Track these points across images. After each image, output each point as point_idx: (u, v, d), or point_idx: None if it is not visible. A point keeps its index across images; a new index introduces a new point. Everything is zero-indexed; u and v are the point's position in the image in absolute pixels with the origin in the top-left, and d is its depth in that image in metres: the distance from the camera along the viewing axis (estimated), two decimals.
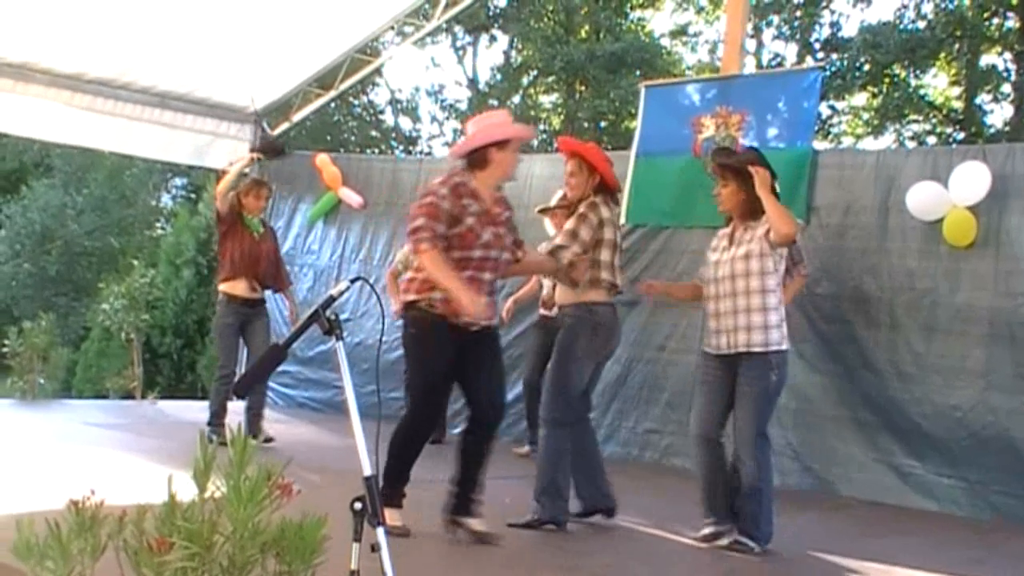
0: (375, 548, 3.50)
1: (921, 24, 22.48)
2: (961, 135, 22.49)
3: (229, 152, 14.14)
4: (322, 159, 13.67)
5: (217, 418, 9.59)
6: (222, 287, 10.11)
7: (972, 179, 8.90)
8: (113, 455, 8.66)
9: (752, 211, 6.67)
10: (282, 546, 3.74)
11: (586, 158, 7.57)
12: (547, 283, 10.00)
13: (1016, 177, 8.95)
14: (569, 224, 7.21)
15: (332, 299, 3.62)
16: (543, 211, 10.20)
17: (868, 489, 9.27)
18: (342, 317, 12.16)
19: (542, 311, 10.34)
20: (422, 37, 15.72)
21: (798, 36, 24.38)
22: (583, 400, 7.34)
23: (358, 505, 3.54)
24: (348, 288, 3.67)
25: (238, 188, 10.12)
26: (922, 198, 9.07)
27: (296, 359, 12.91)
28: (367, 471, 3.58)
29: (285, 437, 9.95)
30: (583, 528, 7.19)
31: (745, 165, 6.73)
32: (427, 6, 13.30)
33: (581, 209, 7.16)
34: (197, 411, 12.15)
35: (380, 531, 3.51)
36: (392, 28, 13.90)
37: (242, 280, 10.02)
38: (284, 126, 14.53)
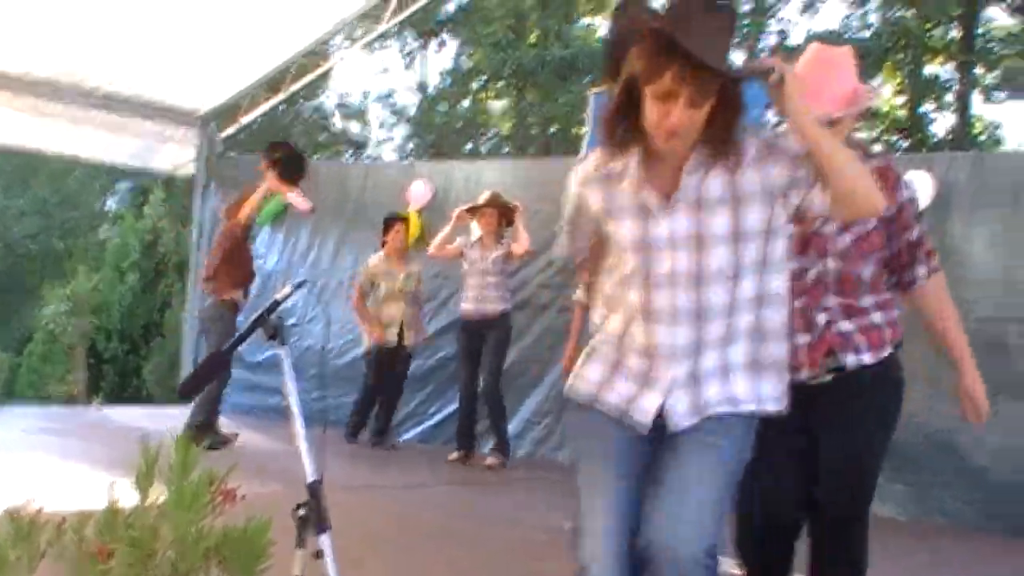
0: (319, 555, 3.46)
1: (867, 33, 22.68)
2: (906, 143, 22.66)
3: (174, 155, 14.05)
4: None
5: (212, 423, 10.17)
6: (227, 295, 10.28)
7: (917, 188, 8.95)
8: (55, 462, 8.55)
9: None
10: (226, 553, 3.70)
11: None
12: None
13: (959, 185, 9.06)
14: None
15: (276, 303, 3.58)
16: (471, 210, 10.26)
17: None
18: (289, 322, 12.20)
19: (466, 307, 10.31)
20: (371, 41, 15.69)
21: (747, 44, 24.52)
22: None
23: (302, 511, 3.50)
24: (293, 292, 3.62)
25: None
26: None
27: (244, 364, 12.78)
28: (311, 477, 3.54)
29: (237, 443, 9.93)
30: None
31: None
32: (377, 9, 13.23)
33: None
34: (142, 416, 12.07)
35: (324, 538, 3.47)
36: (341, 32, 13.80)
37: (241, 289, 10.45)
38: (231, 129, 14.41)
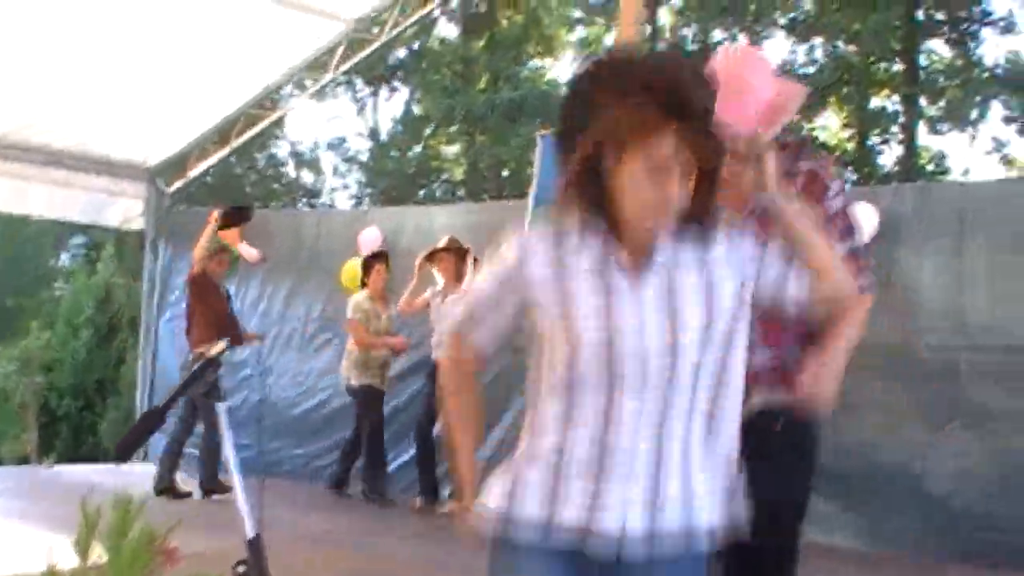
0: None
1: (811, 68, 22.88)
2: (855, 176, 22.83)
3: (124, 210, 13.96)
4: (218, 215, 13.49)
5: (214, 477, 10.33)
6: (200, 348, 10.18)
7: (861, 220, 8.99)
8: (3, 522, 8.45)
9: None
10: None
11: None
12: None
13: (904, 216, 9.11)
14: None
15: (211, 361, 3.53)
16: (429, 257, 10.25)
17: None
18: (244, 373, 12.09)
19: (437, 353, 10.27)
20: (319, 90, 15.67)
21: None
22: None
23: (241, 569, 3.43)
24: (225, 348, 3.57)
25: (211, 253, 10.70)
26: None
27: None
28: (250, 533, 3.47)
29: (183, 500, 9.83)
30: None
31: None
32: (324, 58, 13.21)
33: None
34: (94, 474, 11.90)
35: None
36: (291, 82, 13.77)
37: (221, 342, 10.13)
38: (180, 182, 14.33)
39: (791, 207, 2.77)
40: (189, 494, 10.34)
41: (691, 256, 2.64)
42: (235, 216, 11.14)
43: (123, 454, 3.74)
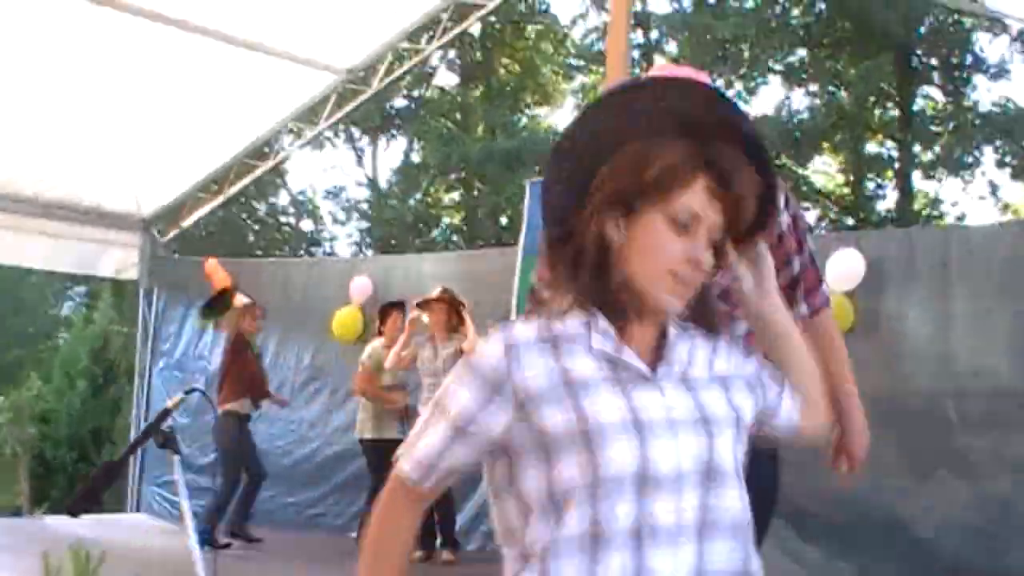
0: None
1: (806, 115, 22.95)
2: (851, 221, 22.85)
3: (119, 259, 13.96)
4: (211, 264, 13.44)
5: (246, 519, 10.78)
6: (230, 406, 10.60)
7: (847, 265, 9.02)
8: None
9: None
10: None
11: None
12: None
13: (890, 262, 9.13)
14: None
15: (167, 412, 3.51)
16: (421, 305, 10.17)
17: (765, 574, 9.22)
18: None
19: (423, 408, 10.20)
20: (315, 139, 15.74)
21: None
22: None
23: None
24: (183, 399, 3.55)
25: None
26: None
27: (189, 467, 12.64)
28: None
29: (165, 551, 9.75)
30: None
31: None
32: (319, 107, 13.26)
33: None
34: (83, 526, 11.82)
35: None
36: (289, 131, 13.81)
37: (247, 399, 10.75)
38: (174, 232, 14.36)
39: (785, 317, 2.27)
40: (228, 545, 10.41)
41: (702, 354, 2.14)
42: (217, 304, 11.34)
43: (76, 509, 3.70)
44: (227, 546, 10.35)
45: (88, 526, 10.57)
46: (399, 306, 10.89)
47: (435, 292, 10.27)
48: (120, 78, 11.32)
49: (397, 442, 8.16)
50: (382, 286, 12.16)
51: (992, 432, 8.55)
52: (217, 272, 13.31)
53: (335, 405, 12.31)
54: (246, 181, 14.27)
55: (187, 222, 14.37)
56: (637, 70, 23.52)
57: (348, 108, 13.49)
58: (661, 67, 3.79)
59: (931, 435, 8.76)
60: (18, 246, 13.09)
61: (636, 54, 24.94)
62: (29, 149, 12.14)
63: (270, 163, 14.13)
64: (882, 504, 8.82)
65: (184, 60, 11.34)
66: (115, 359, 17.06)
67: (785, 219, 3.33)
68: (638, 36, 24.00)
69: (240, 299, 13.07)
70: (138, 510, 13.42)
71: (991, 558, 8.41)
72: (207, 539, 10.32)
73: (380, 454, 9.69)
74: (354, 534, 11.62)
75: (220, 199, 14.30)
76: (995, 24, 20.92)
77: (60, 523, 12.13)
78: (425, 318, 10.21)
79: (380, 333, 10.87)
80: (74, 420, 16.50)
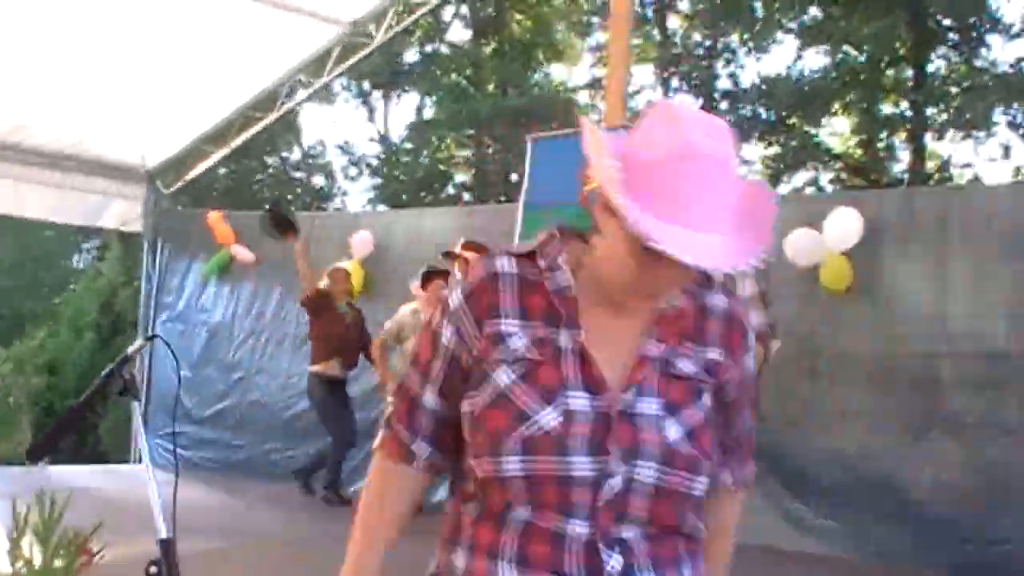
0: None
1: (818, 75, 22.81)
2: (861, 182, 22.75)
3: (123, 212, 13.98)
4: (214, 217, 13.50)
5: (335, 484, 10.40)
6: (314, 367, 10.60)
7: (844, 225, 8.99)
8: None
9: None
10: None
11: None
12: None
13: (887, 223, 9.09)
14: None
15: (127, 357, 3.49)
16: (448, 255, 9.69)
17: (760, 534, 9.17)
18: (236, 375, 12.07)
19: None
20: (325, 93, 15.72)
21: (701, 88, 24.60)
22: None
23: (153, 569, 3.39)
24: (143, 346, 3.54)
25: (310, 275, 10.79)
26: (799, 244, 9.11)
27: (191, 420, 12.72)
28: (161, 533, 3.43)
29: (161, 498, 9.78)
30: None
31: None
32: (321, 59, 13.24)
33: None
34: (84, 475, 11.92)
35: None
36: (298, 83, 13.75)
37: (333, 360, 10.52)
38: (179, 184, 14.37)
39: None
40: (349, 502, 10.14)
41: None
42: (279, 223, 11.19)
43: (34, 455, 3.69)
44: (327, 498, 10.38)
45: (92, 475, 10.67)
46: (444, 275, 9.81)
47: (460, 243, 9.92)
48: (125, 30, 11.32)
49: None
50: (383, 241, 12.14)
51: (986, 395, 8.56)
52: (220, 225, 13.35)
53: None
54: (249, 133, 14.23)
55: (192, 174, 14.36)
56: (656, 32, 23.45)
57: (352, 60, 13.43)
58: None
59: (926, 396, 8.77)
60: (22, 197, 13.14)
61: (650, 12, 24.83)
62: (32, 100, 12.15)
63: (274, 115, 14.06)
64: (875, 465, 8.86)
65: (188, 12, 11.33)
66: (122, 312, 17.05)
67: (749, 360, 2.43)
68: None
69: (242, 252, 13.13)
70: (140, 461, 13.48)
71: (983, 519, 8.45)
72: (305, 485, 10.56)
73: None
74: (353, 488, 11.68)
75: (224, 151, 14.30)
76: None
77: (63, 472, 12.24)
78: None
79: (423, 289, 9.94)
80: (82, 372, 16.53)
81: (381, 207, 26.19)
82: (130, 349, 3.55)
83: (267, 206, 11.52)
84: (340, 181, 29.53)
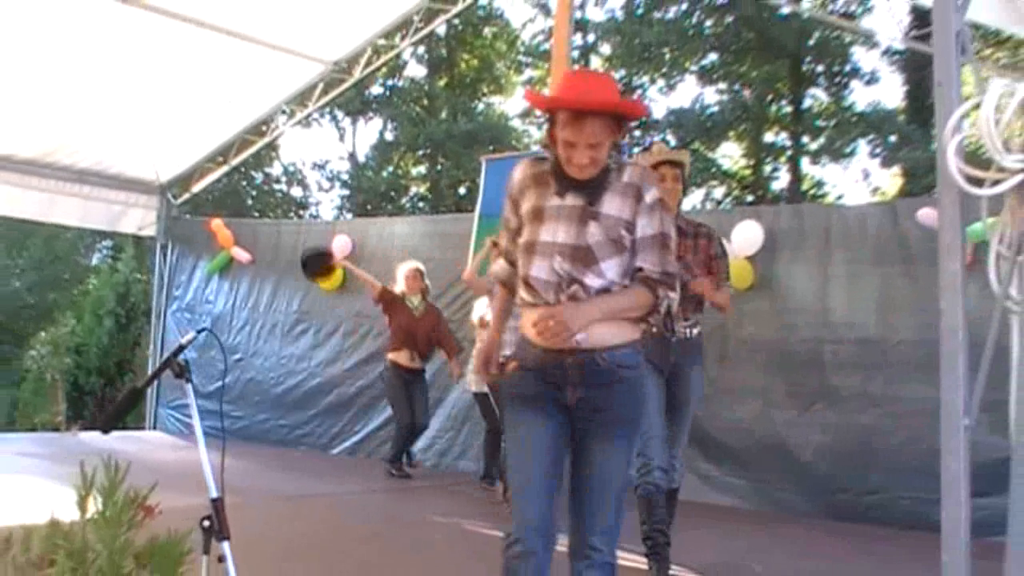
0: (221, 560, 3.38)
1: (716, 108, 23.03)
2: (751, 198, 22.98)
3: (140, 219, 13.89)
4: (216, 223, 13.43)
5: (395, 460, 9.91)
6: (388, 356, 10.01)
7: (748, 235, 9.10)
8: (26, 481, 8.41)
9: None
10: (152, 559, 3.63)
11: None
12: None
13: (782, 233, 9.20)
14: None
15: (182, 347, 3.51)
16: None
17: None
18: (235, 357, 12.00)
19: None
20: (304, 119, 15.64)
21: None
22: None
23: (206, 523, 3.41)
24: (195, 337, 3.55)
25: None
26: None
27: (198, 394, 12.60)
28: (213, 493, 3.46)
29: (179, 462, 9.75)
30: None
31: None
32: (308, 92, 13.18)
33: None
34: (111, 441, 11.78)
35: (225, 545, 3.38)
36: (283, 112, 13.68)
37: (404, 351, 9.87)
38: (186, 196, 14.27)
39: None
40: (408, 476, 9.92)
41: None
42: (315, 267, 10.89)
43: (106, 426, 3.69)
44: (389, 471, 9.90)
45: (114, 440, 10.50)
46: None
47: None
48: (142, 66, 11.24)
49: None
50: (360, 244, 12.13)
51: (859, 374, 8.69)
52: (221, 230, 13.29)
53: (318, 343, 12.29)
54: (247, 154, 14.18)
55: (197, 187, 14.27)
56: (576, 66, 23.53)
57: (334, 94, 13.41)
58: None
59: (812, 375, 8.89)
60: (55, 206, 13.03)
61: (576, 54, 24.90)
62: (66, 126, 12.06)
63: (267, 139, 14.02)
64: (771, 431, 8.98)
65: (197, 51, 11.24)
66: (135, 302, 16.91)
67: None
68: (577, 39, 23.89)
69: (239, 254, 13.02)
70: (154, 428, 13.37)
71: (856, 476, 8.60)
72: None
73: (487, 403, 9.07)
74: (335, 451, 11.67)
75: (225, 168, 14.22)
76: (868, 39, 21.35)
77: (91, 438, 12.13)
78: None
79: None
80: (102, 353, 16.35)
81: (348, 215, 26.08)
82: (183, 340, 3.57)
83: (303, 260, 10.93)
84: (315, 193, 29.35)
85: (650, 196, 3.32)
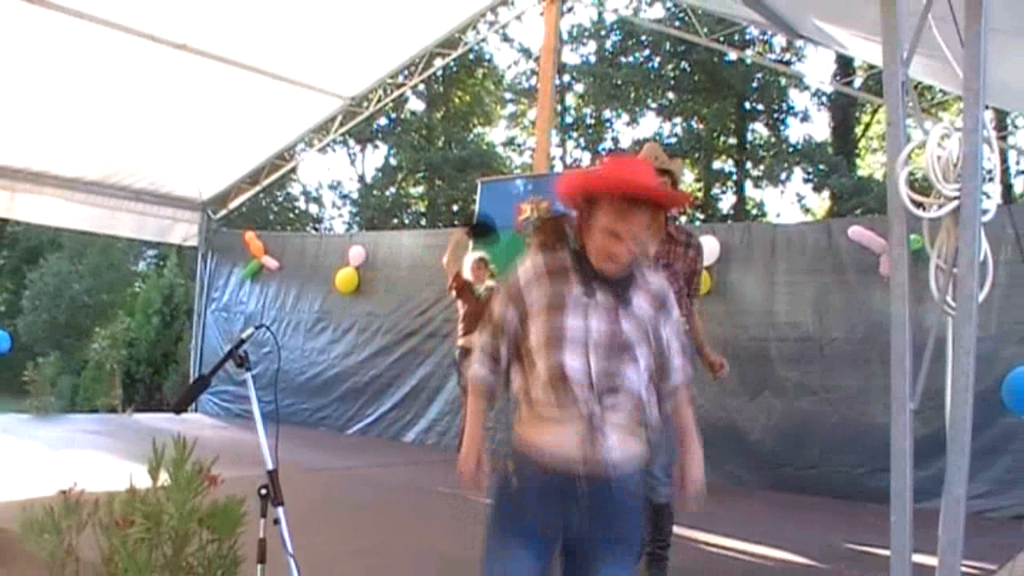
0: (276, 522, 3.40)
1: (673, 140, 23.12)
2: (703, 216, 23.07)
3: (184, 231, 13.89)
4: (249, 235, 13.42)
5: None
6: (459, 342, 9.12)
7: (708, 248, 9.10)
8: (96, 455, 8.39)
9: None
10: (213, 522, 3.67)
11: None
12: None
13: (735, 246, 9.25)
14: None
15: (242, 341, 3.53)
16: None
17: None
18: (265, 350, 12.01)
19: None
20: (323, 147, 15.65)
21: (591, 146, 24.83)
22: None
23: (263, 491, 3.44)
24: (253, 332, 3.57)
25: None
26: None
27: (232, 382, 12.58)
28: (269, 465, 3.48)
29: (220, 439, 9.72)
30: None
31: None
32: (328, 123, 13.20)
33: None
34: (161, 421, 11.82)
35: (280, 510, 3.40)
36: (302, 141, 13.71)
37: (471, 336, 9.04)
38: (223, 212, 14.24)
39: None
40: None
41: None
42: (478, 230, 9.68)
43: (179, 408, 3.72)
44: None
45: (166, 421, 10.54)
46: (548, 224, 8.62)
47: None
48: (189, 102, 11.28)
49: None
50: (372, 253, 12.15)
51: (800, 367, 8.75)
52: (253, 241, 13.28)
53: (336, 339, 12.29)
54: (276, 176, 14.17)
55: (233, 205, 14.24)
56: (559, 106, 23.57)
57: (350, 125, 13.40)
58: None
59: (759, 367, 8.94)
60: (115, 220, 13.08)
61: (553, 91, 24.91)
62: (125, 153, 12.12)
63: (291, 164, 14.02)
64: (725, 415, 8.98)
65: (235, 89, 11.27)
66: (178, 303, 16.89)
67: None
68: (555, 79, 23.94)
69: (268, 261, 12.99)
70: (196, 411, 13.35)
71: (796, 454, 8.66)
72: None
73: None
74: (350, 431, 11.67)
75: (256, 188, 14.19)
76: (801, 83, 21.55)
77: (145, 418, 12.12)
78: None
79: None
80: (150, 346, 16.28)
81: (355, 228, 26.04)
82: (244, 335, 3.59)
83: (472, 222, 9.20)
84: (329, 209, 29.29)
85: (675, 312, 2.75)
